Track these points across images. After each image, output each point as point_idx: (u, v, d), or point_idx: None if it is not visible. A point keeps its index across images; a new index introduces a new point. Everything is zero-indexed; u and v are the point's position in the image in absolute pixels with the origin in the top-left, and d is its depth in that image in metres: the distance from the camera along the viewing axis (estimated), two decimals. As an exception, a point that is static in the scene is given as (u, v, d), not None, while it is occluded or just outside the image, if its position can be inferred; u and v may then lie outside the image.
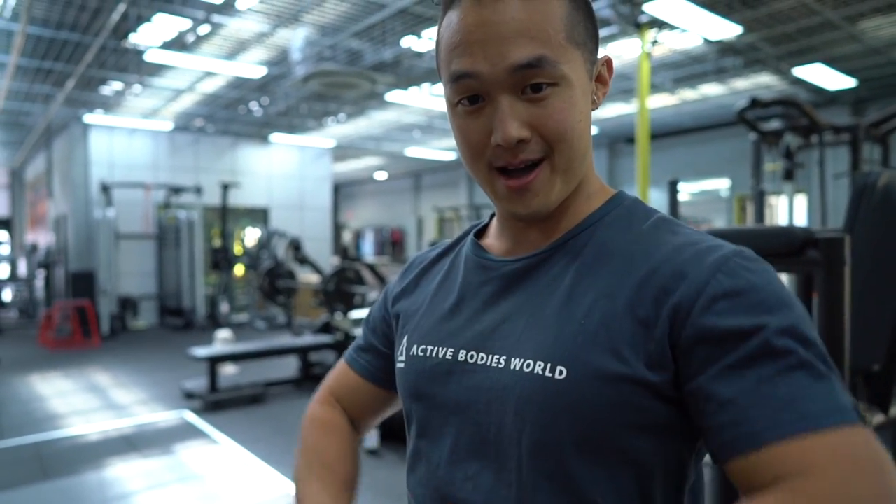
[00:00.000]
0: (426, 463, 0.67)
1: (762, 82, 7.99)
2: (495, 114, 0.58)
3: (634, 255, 0.59)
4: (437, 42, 0.63)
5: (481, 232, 0.75)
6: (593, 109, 0.63)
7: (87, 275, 9.52)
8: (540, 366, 0.57)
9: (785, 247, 1.72)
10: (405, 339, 0.72)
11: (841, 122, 4.86)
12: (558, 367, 0.56)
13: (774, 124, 5.00)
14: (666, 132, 10.65)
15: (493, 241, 0.71)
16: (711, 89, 8.37)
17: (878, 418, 1.87)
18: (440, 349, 0.67)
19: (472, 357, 0.63)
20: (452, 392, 0.64)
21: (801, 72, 7.29)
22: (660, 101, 8.93)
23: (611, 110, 9.60)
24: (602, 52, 0.65)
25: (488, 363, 0.62)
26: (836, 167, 6.70)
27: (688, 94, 8.62)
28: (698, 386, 0.52)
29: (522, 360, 0.59)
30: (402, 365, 0.71)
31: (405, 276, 0.80)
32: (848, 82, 7.70)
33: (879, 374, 1.90)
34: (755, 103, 4.50)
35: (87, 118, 9.82)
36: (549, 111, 0.57)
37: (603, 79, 0.64)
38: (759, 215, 4.74)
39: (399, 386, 0.73)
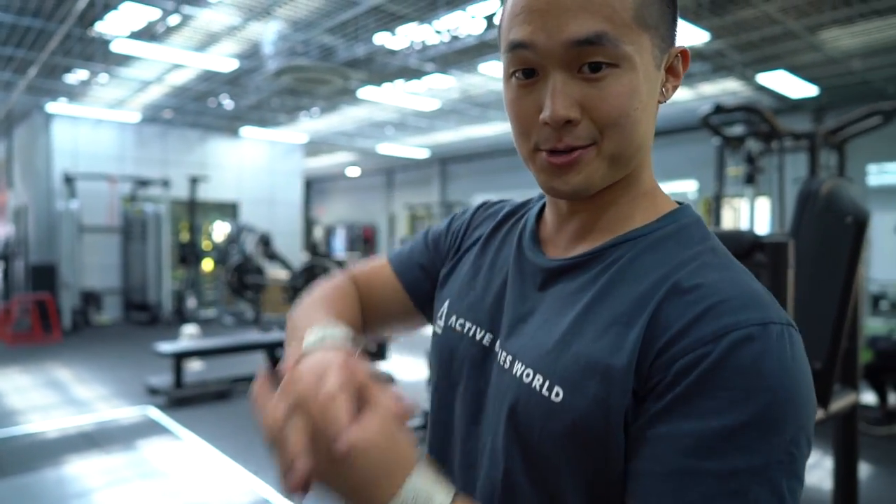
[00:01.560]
0: (452, 431, 0.67)
1: (729, 88, 8.18)
2: (546, 89, 0.54)
3: (664, 284, 0.53)
4: (503, 10, 0.59)
5: (541, 212, 0.71)
6: (661, 102, 0.59)
7: (48, 268, 9.29)
8: (538, 380, 0.55)
9: (734, 249, 1.79)
10: (446, 304, 0.71)
11: (800, 129, 5.02)
12: (556, 388, 0.54)
13: (737, 130, 5.14)
14: (635, 134, 10.82)
15: (544, 226, 0.68)
16: (680, 94, 8.54)
17: (819, 414, 1.96)
18: (478, 330, 0.65)
19: (498, 348, 0.63)
20: (483, 379, 0.63)
21: (765, 78, 7.49)
22: (629, 104, 9.08)
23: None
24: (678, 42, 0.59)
25: (502, 361, 0.61)
26: (796, 172, 6.90)
27: (656, 97, 8.78)
28: (633, 432, 0.50)
29: (524, 368, 0.57)
30: (439, 331, 0.70)
31: (473, 223, 0.78)
32: (810, 90, 7.93)
33: (820, 371, 1.99)
34: (719, 109, 4.63)
35: (50, 107, 9.57)
36: (604, 93, 0.53)
37: (675, 71, 0.59)
38: (717, 219, 4.87)
39: (433, 350, 0.72)
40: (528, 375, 0.56)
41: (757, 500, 0.44)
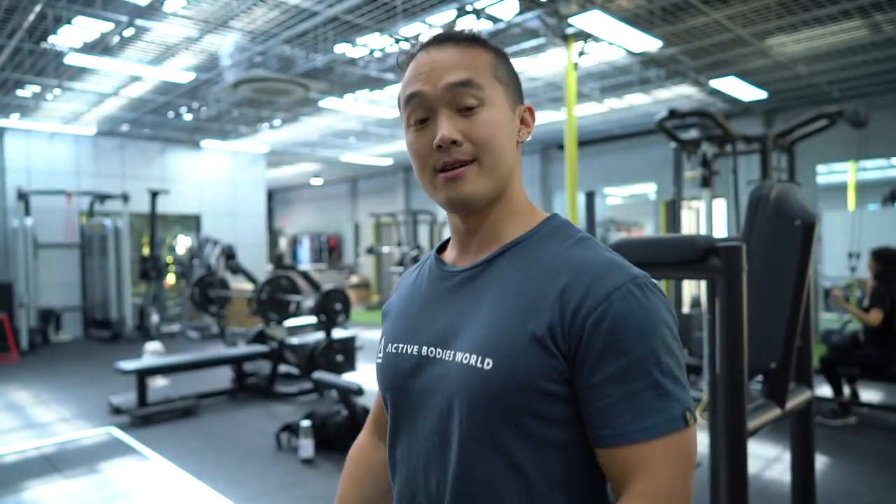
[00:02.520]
0: (406, 440, 0.81)
1: (683, 92, 8.40)
2: (436, 125, 0.74)
3: (555, 266, 0.73)
4: (400, 93, 0.79)
5: (442, 248, 0.90)
6: (519, 142, 0.80)
7: (2, 287, 8.96)
8: (473, 358, 0.72)
9: (690, 255, 1.86)
10: (383, 339, 0.88)
11: (751, 133, 5.19)
12: (486, 359, 0.71)
13: (692, 134, 5.30)
14: (595, 139, 11.02)
15: (448, 253, 0.87)
16: (636, 98, 8.74)
17: (776, 412, 2.04)
18: (409, 347, 0.81)
19: (432, 352, 0.78)
20: (420, 383, 0.78)
21: (717, 83, 7.72)
22: (588, 110, 9.25)
23: (542, 117, 9.86)
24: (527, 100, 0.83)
25: (444, 357, 0.76)
26: (750, 174, 7.13)
27: (614, 102, 8.97)
28: (581, 387, 0.69)
29: (463, 354, 0.73)
30: (380, 360, 0.86)
31: (393, 294, 0.96)
32: (760, 94, 8.20)
33: (776, 371, 2.07)
34: (673, 114, 4.76)
35: (2, 122, 9.28)
36: (477, 123, 0.74)
37: (526, 122, 0.81)
38: (675, 222, 5.00)
39: (378, 378, 0.87)
40: (465, 358, 0.73)
41: (665, 386, 0.67)
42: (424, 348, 0.79)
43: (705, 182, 5.12)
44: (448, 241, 0.90)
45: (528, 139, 0.82)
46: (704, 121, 5.02)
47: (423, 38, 0.79)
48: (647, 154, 10.55)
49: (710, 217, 5.10)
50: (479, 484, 0.72)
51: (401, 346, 0.82)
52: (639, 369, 0.66)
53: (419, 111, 0.76)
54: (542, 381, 0.69)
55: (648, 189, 12.42)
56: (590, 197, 2.35)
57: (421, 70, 0.75)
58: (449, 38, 0.77)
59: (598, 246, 0.75)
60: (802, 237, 1.93)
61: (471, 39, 0.77)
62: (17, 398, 6.07)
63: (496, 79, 0.76)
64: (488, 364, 0.70)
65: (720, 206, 8.45)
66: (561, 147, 11.22)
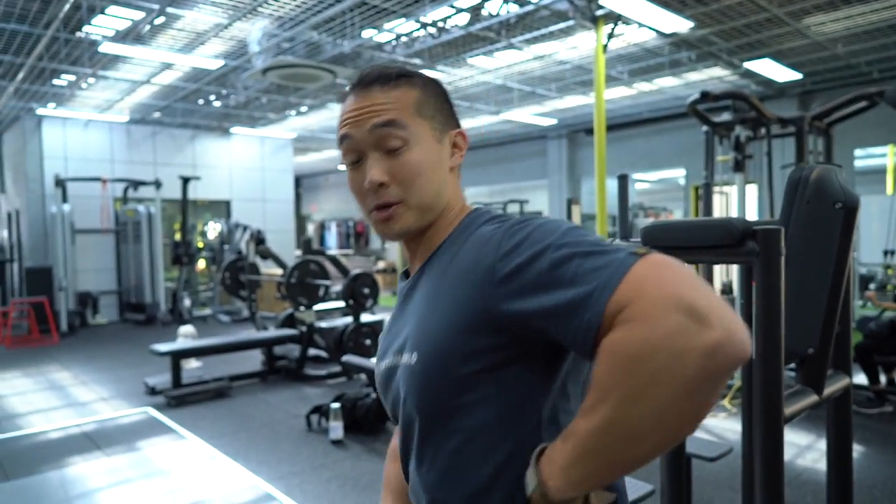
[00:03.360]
0: (404, 448, 0.87)
1: (715, 75, 8.22)
2: (367, 165, 0.79)
3: (466, 251, 0.76)
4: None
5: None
6: (453, 167, 0.84)
7: (43, 271, 9.25)
8: (407, 356, 0.78)
9: (725, 238, 1.83)
10: (376, 360, 0.94)
11: (787, 115, 5.07)
12: (413, 354, 0.77)
13: (725, 117, 5.18)
14: (623, 123, 10.86)
15: (411, 267, 0.93)
16: (666, 81, 8.57)
17: (813, 398, 2.01)
18: (385, 360, 0.87)
19: (395, 361, 0.83)
20: (392, 394, 0.85)
21: (751, 65, 7.54)
22: (617, 93, 9.11)
23: (569, 101, 9.74)
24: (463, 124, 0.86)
25: (398, 363, 0.82)
26: (785, 158, 6.97)
27: (644, 86, 8.82)
28: (530, 315, 0.66)
29: (404, 355, 0.79)
30: (375, 377, 0.93)
31: None
32: (795, 75, 7.98)
33: (813, 357, 2.04)
34: (706, 96, 4.67)
35: (40, 111, 9.51)
36: (402, 163, 0.78)
37: (458, 146, 0.85)
38: (708, 207, 4.92)
39: (378, 391, 0.94)
40: (406, 357, 0.79)
41: (589, 251, 0.64)
42: (390, 359, 0.85)
43: (738, 166, 5.02)
44: None
45: (460, 163, 0.86)
46: (738, 103, 4.92)
47: (352, 79, 0.83)
48: (677, 138, 10.36)
49: (742, 202, 5.01)
50: (452, 469, 0.76)
51: (381, 362, 0.89)
52: (560, 253, 0.64)
53: (351, 153, 0.80)
54: (464, 347, 0.71)
55: (678, 174, 12.23)
56: (622, 180, 2.32)
57: (349, 113, 0.80)
58: (375, 78, 0.80)
59: (498, 217, 0.79)
60: (843, 221, 1.89)
61: (397, 77, 0.80)
62: (59, 378, 6.28)
63: (420, 115, 0.79)
64: (414, 357, 0.76)
65: (752, 191, 8.28)
66: (589, 132, 11.09)
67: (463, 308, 0.72)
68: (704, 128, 5.33)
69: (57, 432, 4.53)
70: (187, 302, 10.24)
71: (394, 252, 16.00)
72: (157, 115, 10.23)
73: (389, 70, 0.80)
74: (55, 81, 8.14)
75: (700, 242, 1.91)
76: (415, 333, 0.78)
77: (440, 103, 0.83)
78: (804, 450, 3.85)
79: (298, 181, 18.46)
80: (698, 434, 4.05)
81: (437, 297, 0.77)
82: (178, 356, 5.36)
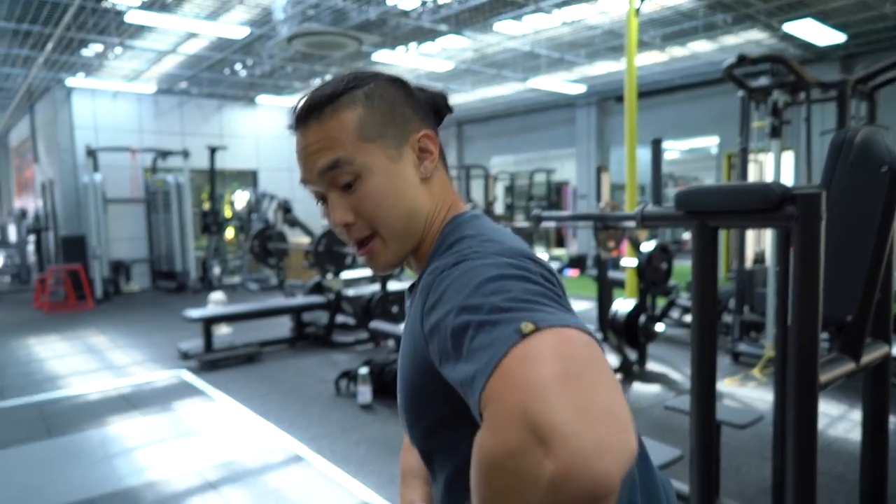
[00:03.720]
0: None
1: (752, 38, 7.93)
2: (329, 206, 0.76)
3: (419, 290, 0.71)
4: None
5: None
6: (424, 177, 0.77)
7: (77, 239, 9.49)
8: (398, 383, 0.76)
9: (763, 203, 1.78)
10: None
11: (828, 79, 4.88)
12: (399, 383, 0.76)
13: (762, 81, 5.01)
14: (655, 90, 10.59)
15: None
16: (701, 46, 8.31)
17: (850, 366, 1.97)
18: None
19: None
20: None
21: (791, 27, 7.25)
22: (649, 59, 8.87)
23: (599, 68, 9.52)
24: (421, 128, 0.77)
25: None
26: (824, 124, 6.73)
27: (677, 51, 8.56)
28: (449, 380, 0.59)
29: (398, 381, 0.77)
30: None
31: None
32: (838, 38, 7.66)
33: (852, 324, 1.99)
34: (743, 60, 4.51)
35: (69, 81, 9.63)
36: (359, 198, 0.73)
37: (426, 149, 0.77)
38: (743, 173, 4.79)
39: None
40: (399, 386, 0.77)
41: (483, 321, 0.54)
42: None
43: (774, 132, 4.87)
44: None
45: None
46: (776, 67, 4.74)
47: (290, 112, 0.78)
48: (710, 105, 10.08)
49: (777, 169, 4.87)
50: (448, 497, 0.76)
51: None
52: (457, 322, 0.56)
53: (314, 194, 0.78)
54: (430, 387, 0.68)
55: (709, 143, 11.92)
56: (656, 144, 2.26)
57: (298, 155, 0.76)
58: (307, 111, 0.74)
59: (459, 247, 0.70)
60: (889, 184, 1.82)
61: (330, 101, 0.73)
62: (96, 342, 6.47)
63: (366, 140, 0.73)
64: (399, 388, 0.76)
65: (788, 159, 8.05)
66: (619, 99, 10.85)
67: (417, 354, 0.68)
68: (740, 93, 5.17)
69: (96, 394, 4.68)
70: (217, 270, 10.42)
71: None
72: (183, 85, 10.29)
73: (321, 97, 0.73)
74: (83, 52, 8.21)
75: (737, 207, 1.87)
76: (399, 363, 0.76)
77: (391, 113, 0.75)
78: (836, 420, 3.80)
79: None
80: (728, 402, 4.02)
81: (406, 333, 0.74)
82: (209, 322, 5.48)
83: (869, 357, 2.04)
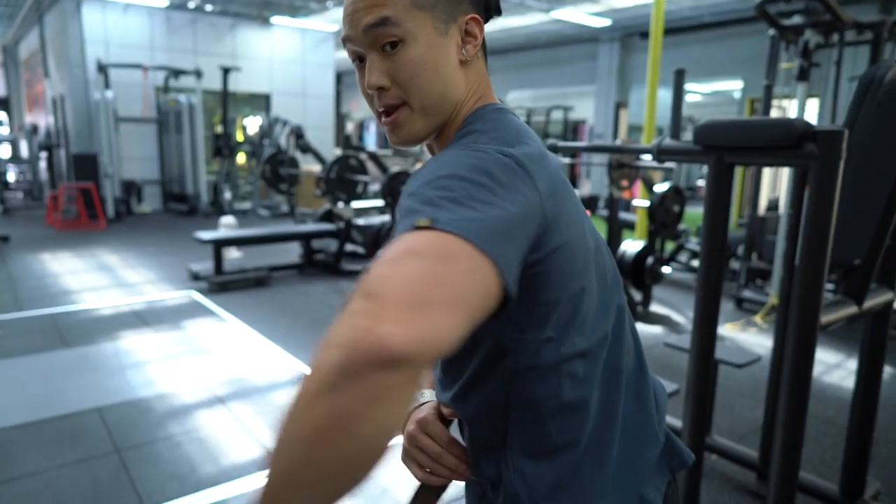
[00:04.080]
0: None
1: (789, -25, 7.54)
2: (367, 68, 0.74)
3: None
4: None
5: None
6: (462, 60, 0.75)
7: (89, 157, 9.49)
8: None
9: (783, 139, 1.73)
10: None
11: (865, 19, 4.66)
12: None
13: (795, 20, 4.81)
14: (681, 27, 10.20)
15: None
16: (734, -19, 7.93)
17: (852, 309, 1.97)
18: None
19: None
20: None
21: (831, -36, 6.87)
22: (679, -7, 8.50)
23: (626, 0, 9.14)
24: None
25: None
26: (855, 70, 6.49)
27: (709, -15, 8.19)
28: None
29: None
30: None
31: None
32: (879, -23, 7.28)
33: (859, 268, 1.98)
34: (777, -4, 4.31)
35: (79, -8, 9.39)
36: (398, 63, 0.71)
37: (472, 33, 0.75)
38: (766, 110, 4.67)
39: None
40: None
41: (413, 208, 0.58)
42: None
43: (802, 75, 4.71)
44: None
45: (476, 51, 0.76)
46: (812, 5, 4.53)
47: None
48: (737, 47, 9.72)
49: (801, 114, 4.73)
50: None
51: None
52: (404, 204, 0.60)
53: (352, 53, 0.75)
54: None
55: (733, 86, 11.57)
56: (679, 76, 2.18)
57: (346, 11, 0.74)
58: None
59: (468, 141, 0.70)
60: (915, 127, 1.77)
61: None
62: (108, 261, 6.58)
63: (418, 7, 0.71)
64: None
65: (813, 106, 7.81)
66: (644, 35, 10.47)
67: None
68: (771, 32, 4.97)
69: (109, 309, 4.80)
70: (228, 195, 10.44)
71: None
72: (196, 1, 10.00)
73: None
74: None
75: (756, 142, 1.82)
76: None
77: None
78: (832, 367, 3.85)
79: (339, 78, 18.11)
80: (728, 345, 4.07)
81: None
82: (220, 244, 5.54)
83: (872, 302, 2.04)
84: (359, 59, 0.75)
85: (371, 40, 0.72)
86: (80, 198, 8.76)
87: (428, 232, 0.54)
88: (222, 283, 5.46)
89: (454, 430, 0.83)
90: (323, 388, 0.46)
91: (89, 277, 5.78)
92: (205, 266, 5.70)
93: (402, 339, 0.45)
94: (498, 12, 0.81)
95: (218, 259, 5.50)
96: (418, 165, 15.99)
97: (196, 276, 5.61)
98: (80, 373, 3.52)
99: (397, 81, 0.72)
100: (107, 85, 9.51)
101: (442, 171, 0.62)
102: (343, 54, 15.12)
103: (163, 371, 3.56)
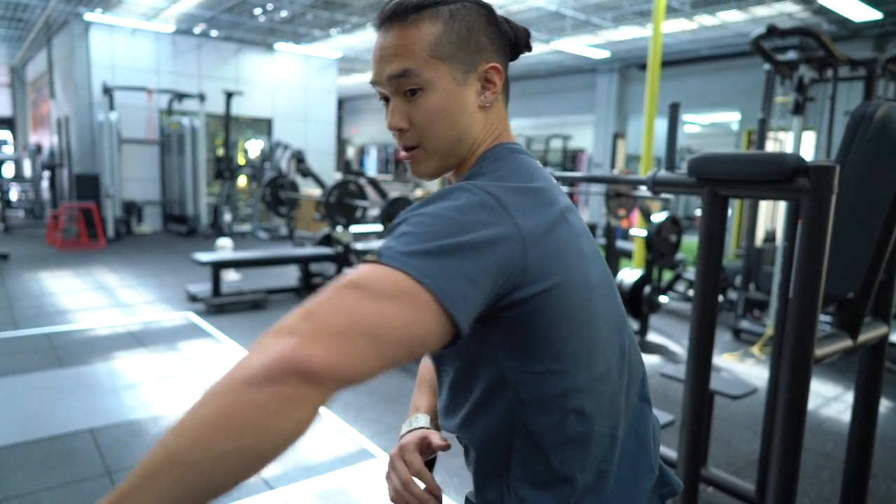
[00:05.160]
0: None
1: (785, 10, 7.70)
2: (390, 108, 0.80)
3: None
4: None
5: None
6: (483, 106, 0.80)
7: (91, 178, 9.55)
8: None
9: (776, 173, 1.76)
10: None
11: (858, 56, 4.75)
12: None
13: (790, 55, 4.89)
14: (679, 59, 10.36)
15: None
16: (731, 16, 8.08)
17: (846, 343, 1.98)
18: None
19: None
20: None
21: (826, 0, 7.03)
22: (676, 26, 8.65)
23: (624, 33, 9.30)
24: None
25: None
26: (849, 104, 6.58)
27: (706, 19, 8.33)
28: None
29: None
30: None
31: None
32: (873, 14, 7.42)
33: (853, 301, 1.99)
34: (772, 31, 4.39)
35: (88, 16, 9.53)
36: (418, 109, 0.77)
37: (491, 80, 0.81)
38: (761, 143, 4.72)
39: None
40: None
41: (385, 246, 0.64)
42: None
43: (797, 109, 4.78)
44: None
45: (495, 97, 0.82)
46: (806, 41, 4.62)
47: (377, 12, 0.81)
48: (735, 79, 9.87)
49: (797, 147, 4.79)
50: None
51: None
52: (396, 229, 0.67)
53: (380, 94, 0.82)
54: None
55: (731, 118, 11.71)
56: (674, 108, 2.22)
57: (374, 56, 0.80)
58: (393, 14, 0.77)
59: (456, 191, 0.70)
60: (905, 163, 1.80)
61: (417, 9, 0.76)
62: (107, 280, 6.58)
63: (437, 58, 0.76)
64: None
65: (809, 139, 7.90)
66: (642, 67, 10.63)
67: None
68: (766, 66, 5.05)
69: (105, 329, 4.79)
70: (228, 217, 10.48)
71: (433, 181, 15.94)
72: (202, 26, 10.16)
73: (408, 3, 0.76)
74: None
75: (749, 176, 1.85)
76: None
77: (468, 37, 0.77)
78: (830, 400, 3.83)
79: (340, 104, 18.32)
80: (725, 376, 4.06)
81: None
82: (218, 266, 5.54)
83: (866, 336, 2.04)
84: (385, 99, 0.81)
85: (394, 87, 0.77)
86: (81, 217, 8.79)
87: (376, 266, 0.60)
88: (219, 305, 5.45)
89: (452, 457, 0.83)
90: (249, 380, 0.52)
91: (87, 297, 5.77)
92: (202, 287, 5.70)
93: (322, 362, 0.53)
94: (528, 48, 0.87)
95: (216, 281, 5.51)
96: (418, 192, 16.08)
97: (193, 298, 5.61)
98: (73, 393, 3.50)
99: (415, 125, 0.78)
100: (111, 107, 9.61)
101: (423, 207, 0.67)
102: (345, 80, 15.34)
103: (157, 393, 3.54)
